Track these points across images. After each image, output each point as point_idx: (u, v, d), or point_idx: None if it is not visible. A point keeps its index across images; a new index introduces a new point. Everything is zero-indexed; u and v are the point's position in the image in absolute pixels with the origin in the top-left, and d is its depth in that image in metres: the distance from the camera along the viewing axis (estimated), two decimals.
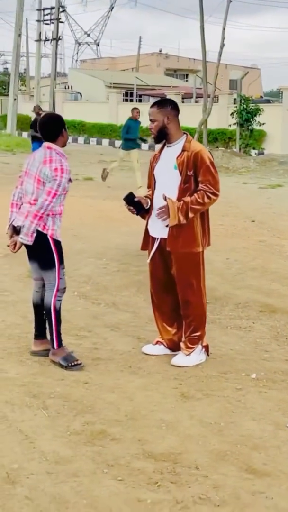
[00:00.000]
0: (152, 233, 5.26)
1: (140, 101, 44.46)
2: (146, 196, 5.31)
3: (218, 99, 33.75)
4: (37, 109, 19.72)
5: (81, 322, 6.13)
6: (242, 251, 9.19)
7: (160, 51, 67.79)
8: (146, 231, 5.34)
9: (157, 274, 5.33)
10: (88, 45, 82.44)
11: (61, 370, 4.97)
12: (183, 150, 5.02)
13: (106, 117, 39.18)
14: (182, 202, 4.93)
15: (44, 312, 5.16)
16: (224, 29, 25.88)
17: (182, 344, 5.27)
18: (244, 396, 4.64)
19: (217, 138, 31.87)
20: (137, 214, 5.28)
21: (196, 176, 4.99)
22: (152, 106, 5.14)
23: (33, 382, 4.75)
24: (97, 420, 4.21)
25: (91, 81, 47.64)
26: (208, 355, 5.34)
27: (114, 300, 6.90)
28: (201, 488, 3.48)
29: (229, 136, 31.36)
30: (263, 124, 25.94)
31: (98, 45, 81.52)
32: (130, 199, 5.19)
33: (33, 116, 21.46)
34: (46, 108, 42.71)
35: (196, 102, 37.77)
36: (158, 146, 5.46)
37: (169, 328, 5.41)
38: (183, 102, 37.49)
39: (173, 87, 43.47)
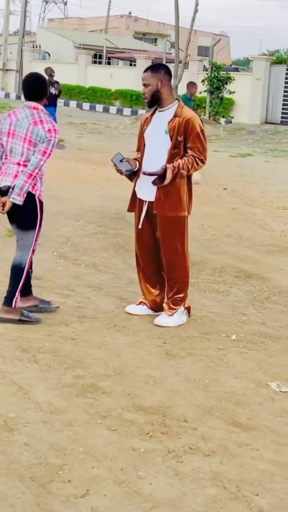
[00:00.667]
0: (140, 195, 5.37)
1: (109, 63, 44.08)
2: (135, 158, 5.40)
3: (188, 66, 33.65)
4: (50, 71, 17.66)
5: (63, 282, 6.24)
6: (217, 218, 9.37)
7: (130, 13, 67.03)
8: (134, 193, 5.45)
9: (143, 237, 5.45)
10: (56, 3, 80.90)
11: (48, 326, 5.10)
12: (174, 116, 5.12)
13: (75, 79, 38.76)
14: (175, 164, 5.03)
15: (11, 270, 5.21)
16: None
17: (165, 305, 5.44)
18: (226, 355, 4.84)
19: (186, 104, 31.83)
20: (125, 175, 5.37)
21: (186, 142, 5.11)
22: (146, 70, 5.22)
23: (22, 337, 4.87)
24: (87, 374, 4.37)
25: (60, 41, 46.93)
26: (189, 316, 5.52)
27: (94, 261, 7.02)
28: (191, 439, 3.68)
29: (197, 104, 31.35)
30: (233, 92, 26.04)
31: (65, 4, 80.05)
32: (118, 160, 5.28)
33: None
34: (13, 67, 42.12)
35: None
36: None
37: (152, 290, 5.56)
38: None
39: (143, 51, 43.09)
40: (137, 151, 5.50)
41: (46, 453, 3.44)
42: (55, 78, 17.45)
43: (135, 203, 5.46)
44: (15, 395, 4.01)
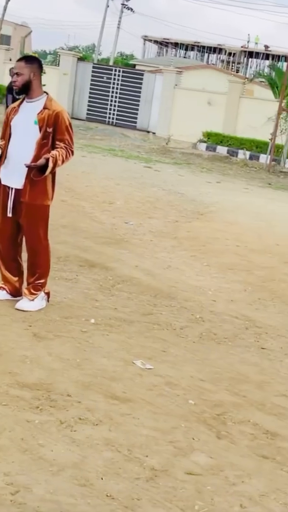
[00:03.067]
0: (5, 182, 5.50)
1: None
2: None
3: None
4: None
5: None
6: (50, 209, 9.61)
7: None
8: None
9: (5, 224, 5.60)
10: None
11: None
12: (44, 108, 5.36)
13: None
14: (53, 155, 5.24)
15: None
16: None
17: (25, 290, 5.66)
18: (90, 337, 5.19)
19: None
20: None
21: (55, 134, 5.36)
22: (20, 60, 5.43)
23: None
24: None
25: None
26: (48, 301, 5.78)
27: None
28: (78, 411, 3.99)
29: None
30: (44, 85, 26.16)
31: None
32: None
33: None
34: None
35: None
36: None
37: (12, 276, 5.75)
38: None
39: None
40: (1, 138, 5.63)
41: None
42: None
43: None
44: None
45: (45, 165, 5.21)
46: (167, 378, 4.66)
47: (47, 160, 5.20)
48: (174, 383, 4.60)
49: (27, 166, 5.26)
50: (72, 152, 5.40)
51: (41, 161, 5.22)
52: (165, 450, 3.72)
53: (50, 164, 5.21)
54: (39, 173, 5.27)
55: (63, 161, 5.33)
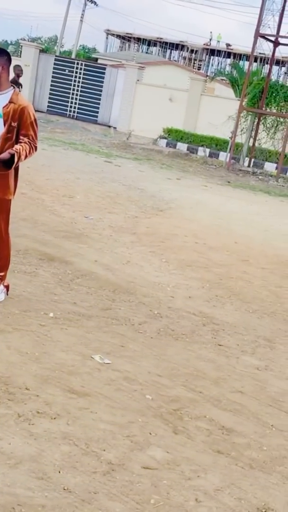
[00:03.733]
0: None
1: None
2: None
3: None
4: (18, 71, 16.30)
5: None
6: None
7: None
8: None
9: None
10: None
11: None
12: (10, 102, 5.32)
13: None
14: (17, 150, 5.21)
15: None
16: None
17: None
18: (49, 331, 5.20)
19: None
20: None
21: (19, 128, 5.33)
22: None
23: None
24: None
25: None
26: (7, 294, 5.76)
27: None
28: (36, 404, 4.00)
29: None
30: None
31: None
32: None
33: None
34: None
35: None
36: None
37: None
38: None
39: None
40: None
41: None
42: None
43: None
44: None
45: (8, 160, 5.19)
46: (125, 373, 4.70)
47: (11, 154, 5.18)
48: (132, 378, 4.64)
49: None
50: (36, 147, 5.39)
51: (5, 155, 5.19)
52: (122, 444, 3.76)
53: (15, 159, 5.19)
54: (2, 168, 5.25)
55: (26, 156, 5.31)
